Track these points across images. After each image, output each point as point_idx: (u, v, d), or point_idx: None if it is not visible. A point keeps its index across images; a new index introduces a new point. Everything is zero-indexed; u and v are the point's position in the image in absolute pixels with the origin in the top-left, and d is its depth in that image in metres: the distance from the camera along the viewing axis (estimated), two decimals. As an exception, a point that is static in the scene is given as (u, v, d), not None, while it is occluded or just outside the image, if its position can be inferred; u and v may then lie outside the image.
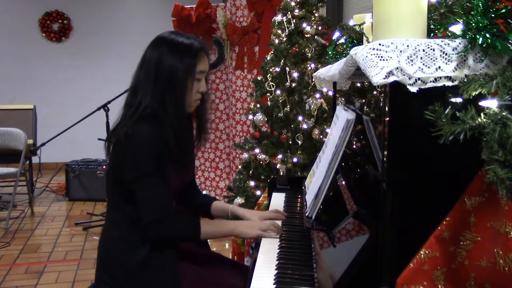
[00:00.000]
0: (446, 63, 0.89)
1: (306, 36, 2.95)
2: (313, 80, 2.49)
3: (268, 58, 3.07)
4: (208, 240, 1.81)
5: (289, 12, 2.97)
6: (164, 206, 1.49)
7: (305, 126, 2.84)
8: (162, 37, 1.58)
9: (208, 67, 1.59)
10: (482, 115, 0.74)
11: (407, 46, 0.88)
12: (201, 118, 1.68)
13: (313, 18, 2.97)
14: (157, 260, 1.50)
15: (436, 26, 0.99)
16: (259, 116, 3.02)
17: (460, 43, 0.89)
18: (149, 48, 1.57)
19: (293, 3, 2.97)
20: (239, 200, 2.95)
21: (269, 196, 2.11)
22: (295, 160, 2.79)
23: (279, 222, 1.68)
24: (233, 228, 1.60)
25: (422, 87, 0.88)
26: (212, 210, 1.79)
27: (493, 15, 0.84)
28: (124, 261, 1.51)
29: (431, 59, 0.88)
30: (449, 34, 0.93)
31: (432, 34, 0.99)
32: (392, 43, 0.88)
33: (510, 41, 0.84)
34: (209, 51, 1.62)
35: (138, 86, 1.54)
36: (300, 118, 2.85)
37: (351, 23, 1.61)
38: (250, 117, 3.11)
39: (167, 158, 1.50)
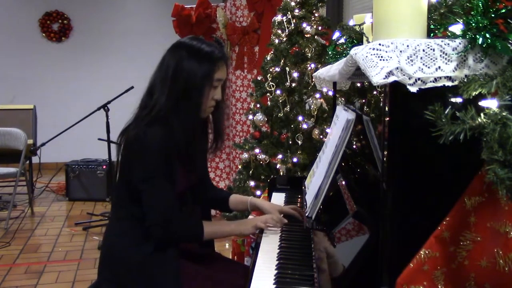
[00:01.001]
0: (446, 63, 0.89)
1: (306, 36, 2.95)
2: (313, 80, 2.49)
3: (268, 58, 3.07)
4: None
5: (289, 12, 2.97)
6: (169, 209, 1.51)
7: (305, 126, 2.84)
8: (182, 42, 1.59)
9: (225, 76, 1.60)
10: (482, 115, 0.74)
11: (407, 46, 0.88)
12: (217, 124, 1.69)
13: (313, 18, 2.97)
14: (159, 257, 1.52)
15: (436, 26, 0.99)
16: (259, 116, 3.02)
17: (460, 43, 0.89)
18: (168, 52, 1.57)
19: (293, 3, 2.97)
20: (239, 200, 2.95)
21: (269, 196, 2.11)
22: (295, 160, 2.79)
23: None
24: (233, 228, 1.64)
25: (422, 87, 0.88)
26: (230, 204, 1.81)
27: (493, 15, 0.84)
28: (126, 258, 1.53)
29: (431, 59, 0.88)
30: (449, 34, 0.93)
31: (432, 34, 0.99)
32: (392, 43, 0.88)
33: (510, 41, 0.84)
34: (229, 61, 1.63)
35: (154, 88, 1.55)
36: (300, 118, 2.85)
37: (351, 23, 1.61)
38: (250, 117, 3.11)
39: (175, 161, 1.52)
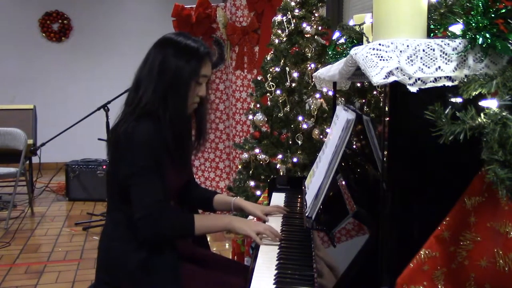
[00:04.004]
0: (446, 63, 0.89)
1: (306, 36, 2.94)
2: (313, 80, 2.49)
3: (268, 58, 3.07)
4: (208, 240, 1.82)
5: (289, 12, 2.96)
6: (157, 202, 1.47)
7: (305, 126, 2.84)
8: (168, 38, 1.58)
9: (210, 73, 1.60)
10: (482, 115, 0.74)
11: (407, 46, 0.88)
12: (200, 122, 1.69)
13: (313, 18, 2.97)
14: (157, 260, 1.50)
15: (436, 26, 0.99)
16: (259, 116, 3.02)
17: (460, 43, 0.89)
18: (153, 48, 1.57)
19: (293, 3, 2.97)
20: (239, 200, 2.95)
21: (269, 196, 2.11)
22: (295, 160, 2.79)
23: (279, 223, 1.69)
24: (227, 223, 1.56)
25: (422, 87, 0.88)
26: (214, 204, 1.79)
27: (493, 15, 0.84)
28: (124, 261, 1.51)
29: (431, 59, 0.88)
30: (449, 34, 0.93)
31: (432, 34, 0.99)
32: (392, 43, 0.88)
33: (510, 41, 0.84)
34: (213, 57, 1.63)
35: (140, 83, 1.55)
36: (300, 118, 2.85)
37: (351, 23, 1.61)
38: (250, 117, 3.11)
39: (165, 157, 1.50)
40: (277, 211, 1.76)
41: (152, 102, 1.50)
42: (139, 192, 1.47)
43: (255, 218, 1.80)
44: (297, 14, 2.95)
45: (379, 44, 0.88)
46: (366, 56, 0.88)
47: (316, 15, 3.00)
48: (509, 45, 0.83)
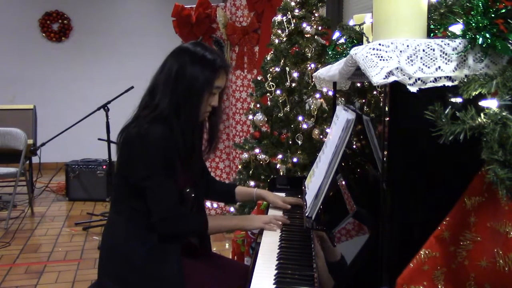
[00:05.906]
0: (446, 63, 0.89)
1: (306, 36, 2.95)
2: (313, 80, 2.49)
3: (268, 58, 3.07)
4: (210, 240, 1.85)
5: (289, 12, 2.96)
6: (173, 204, 1.54)
7: (305, 126, 2.84)
8: (186, 47, 1.62)
9: (224, 85, 1.64)
10: (482, 115, 0.74)
11: (407, 46, 0.88)
12: (212, 129, 1.74)
13: (313, 18, 2.97)
14: (161, 254, 1.53)
15: (436, 26, 0.99)
16: (259, 116, 3.02)
17: (460, 43, 0.89)
18: (170, 56, 1.61)
19: (293, 3, 2.97)
20: (239, 200, 2.96)
21: (269, 196, 2.11)
22: (295, 160, 2.79)
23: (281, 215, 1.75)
24: (236, 223, 1.72)
25: (422, 87, 0.88)
26: (237, 196, 1.91)
27: (493, 15, 0.84)
28: (128, 253, 1.54)
29: (431, 59, 0.88)
30: (449, 34, 0.93)
31: (432, 34, 0.99)
32: (392, 43, 0.88)
33: (510, 41, 0.84)
34: (230, 71, 1.68)
35: (157, 89, 1.59)
36: (300, 118, 2.85)
37: (351, 23, 1.61)
38: (250, 117, 3.11)
39: (176, 159, 1.55)
40: (296, 202, 1.86)
41: (166, 110, 1.54)
42: (156, 195, 1.52)
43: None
44: (297, 14, 2.95)
45: (379, 44, 0.88)
46: (366, 56, 0.88)
47: (316, 15, 3.00)
48: (509, 45, 0.83)
